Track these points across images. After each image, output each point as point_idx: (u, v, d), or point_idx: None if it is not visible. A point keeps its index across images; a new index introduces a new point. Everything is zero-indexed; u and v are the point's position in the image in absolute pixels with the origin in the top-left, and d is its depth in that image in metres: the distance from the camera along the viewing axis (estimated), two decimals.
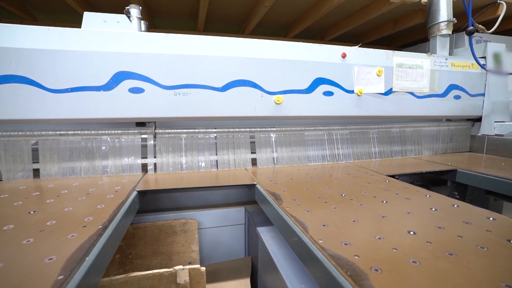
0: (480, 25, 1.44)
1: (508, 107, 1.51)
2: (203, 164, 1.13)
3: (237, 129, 1.18)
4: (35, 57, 0.90)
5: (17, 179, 0.97)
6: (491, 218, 0.62)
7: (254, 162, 1.20)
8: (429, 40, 1.53)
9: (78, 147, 1.02)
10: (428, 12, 1.51)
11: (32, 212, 0.65)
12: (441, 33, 1.45)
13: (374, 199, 0.75)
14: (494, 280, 0.40)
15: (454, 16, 1.46)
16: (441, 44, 1.47)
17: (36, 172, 0.99)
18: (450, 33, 1.45)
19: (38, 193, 0.81)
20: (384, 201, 0.73)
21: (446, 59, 1.40)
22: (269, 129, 1.21)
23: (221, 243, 1.11)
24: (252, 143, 1.21)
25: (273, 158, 1.21)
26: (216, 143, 1.16)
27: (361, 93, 1.24)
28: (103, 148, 1.05)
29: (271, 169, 1.14)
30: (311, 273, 0.51)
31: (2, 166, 0.96)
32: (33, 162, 0.99)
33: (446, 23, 1.43)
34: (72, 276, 0.41)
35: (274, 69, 1.12)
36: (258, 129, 1.20)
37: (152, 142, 1.11)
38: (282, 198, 0.77)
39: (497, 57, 1.49)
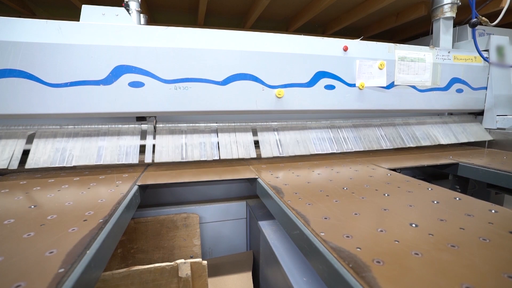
0: (483, 18, 1.42)
1: (511, 100, 1.50)
2: (204, 158, 1.13)
3: (238, 124, 1.17)
4: (33, 51, 0.89)
5: (18, 173, 0.97)
6: (493, 211, 0.62)
7: (255, 156, 1.19)
8: (432, 24, 1.51)
9: (79, 142, 1.02)
10: None
11: (32, 207, 0.65)
12: (445, 16, 1.43)
13: (375, 192, 0.75)
14: (496, 271, 0.40)
15: (457, 8, 1.44)
16: (444, 27, 1.45)
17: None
18: (454, 15, 1.43)
19: (39, 187, 0.81)
20: (386, 194, 0.73)
21: (449, 52, 1.39)
22: (271, 123, 1.21)
23: (222, 237, 1.12)
24: (254, 136, 1.21)
25: (275, 152, 1.20)
26: (217, 136, 1.15)
27: (363, 86, 1.23)
28: (104, 142, 1.04)
29: (273, 163, 1.14)
30: (313, 266, 0.51)
31: None
32: None
33: (450, 5, 1.41)
34: (73, 269, 0.41)
35: (275, 63, 1.11)
36: (260, 123, 1.19)
37: (152, 136, 1.10)
38: (283, 192, 0.76)
39: (500, 50, 1.47)
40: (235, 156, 1.11)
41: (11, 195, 0.74)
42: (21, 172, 0.98)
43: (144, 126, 1.09)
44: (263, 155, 1.15)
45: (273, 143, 1.18)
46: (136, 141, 1.06)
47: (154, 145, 1.08)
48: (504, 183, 0.96)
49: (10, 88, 0.89)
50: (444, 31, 1.45)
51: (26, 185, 0.84)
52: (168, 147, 1.07)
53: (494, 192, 1.39)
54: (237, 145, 1.15)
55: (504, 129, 1.43)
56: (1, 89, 0.89)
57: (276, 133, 1.22)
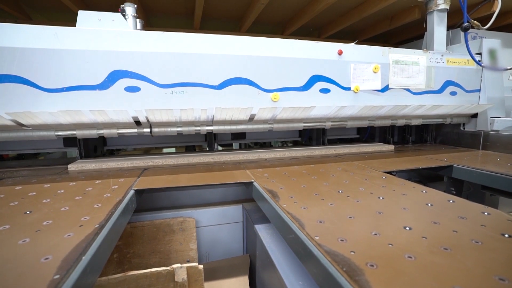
0: (475, 21, 1.45)
1: (504, 102, 1.52)
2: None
3: (234, 127, 1.17)
4: (29, 56, 0.89)
5: (13, 179, 0.96)
6: (485, 213, 0.63)
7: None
8: (426, 18, 1.53)
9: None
10: None
11: (28, 212, 0.65)
12: (439, 8, 1.45)
13: (370, 196, 0.76)
14: (487, 273, 0.40)
15: (449, 12, 1.46)
16: (438, 19, 1.46)
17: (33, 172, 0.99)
18: (448, 8, 1.45)
19: (34, 193, 0.81)
20: (381, 197, 0.74)
21: (442, 55, 1.40)
22: (266, 125, 1.21)
23: (219, 241, 1.12)
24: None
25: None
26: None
27: (357, 90, 1.24)
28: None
29: (268, 167, 1.14)
30: (308, 269, 0.52)
31: None
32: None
33: None
34: (68, 275, 0.41)
35: (271, 67, 1.12)
36: (256, 126, 1.20)
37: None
38: (279, 196, 0.77)
39: (492, 53, 1.49)
40: (234, 117, 1.08)
41: (6, 201, 0.73)
42: (16, 177, 0.98)
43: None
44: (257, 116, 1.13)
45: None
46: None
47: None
48: (498, 185, 0.97)
49: (6, 94, 0.89)
50: (438, 22, 1.47)
51: (22, 190, 0.84)
52: (161, 115, 1.05)
53: (489, 194, 1.40)
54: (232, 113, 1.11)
55: (498, 131, 1.44)
56: None
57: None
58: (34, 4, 1.66)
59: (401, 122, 1.45)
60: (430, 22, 1.50)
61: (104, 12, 0.99)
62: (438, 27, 1.47)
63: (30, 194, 0.80)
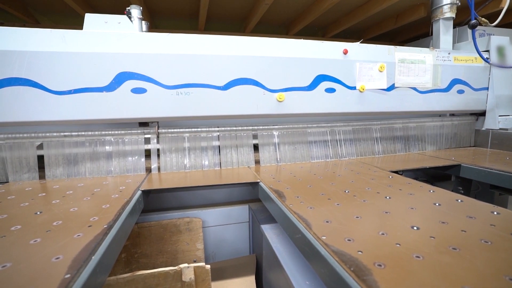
0: (483, 18, 1.43)
1: None
2: (206, 163, 1.14)
3: (240, 128, 1.18)
4: (38, 60, 0.91)
5: (23, 181, 0.98)
6: (495, 213, 0.62)
7: (257, 160, 1.20)
8: (432, 25, 1.52)
9: (83, 148, 1.03)
10: None
11: (38, 213, 0.66)
12: (445, 17, 1.44)
13: (377, 195, 0.75)
14: (497, 273, 0.40)
15: (457, 9, 1.45)
16: (444, 27, 1.46)
17: (42, 174, 1.00)
18: (454, 16, 1.45)
19: (44, 194, 0.82)
20: (388, 197, 0.73)
21: (449, 53, 1.39)
22: (271, 127, 1.21)
23: (225, 241, 1.12)
24: (255, 139, 1.21)
25: (276, 156, 1.21)
26: (219, 142, 1.16)
27: (363, 89, 1.23)
28: (107, 148, 1.05)
29: (274, 167, 1.15)
30: (315, 269, 0.52)
31: (8, 168, 0.97)
32: (38, 164, 1.00)
33: (449, 5, 1.43)
34: (79, 275, 0.42)
35: (276, 67, 1.12)
36: (261, 127, 1.20)
37: (155, 141, 1.11)
38: (285, 196, 0.77)
39: (500, 51, 1.47)
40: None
41: (17, 202, 0.75)
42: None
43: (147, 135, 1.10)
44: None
45: (272, 157, 1.20)
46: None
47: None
48: (507, 184, 0.95)
49: (15, 96, 0.91)
50: (444, 31, 1.46)
51: (32, 191, 0.85)
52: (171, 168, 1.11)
53: (497, 193, 1.38)
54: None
55: (506, 129, 1.42)
56: (8, 97, 0.90)
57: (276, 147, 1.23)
58: (42, 8, 1.69)
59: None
60: (435, 30, 1.50)
61: (110, 15, 1.01)
62: (444, 36, 1.46)
63: (40, 195, 0.81)
